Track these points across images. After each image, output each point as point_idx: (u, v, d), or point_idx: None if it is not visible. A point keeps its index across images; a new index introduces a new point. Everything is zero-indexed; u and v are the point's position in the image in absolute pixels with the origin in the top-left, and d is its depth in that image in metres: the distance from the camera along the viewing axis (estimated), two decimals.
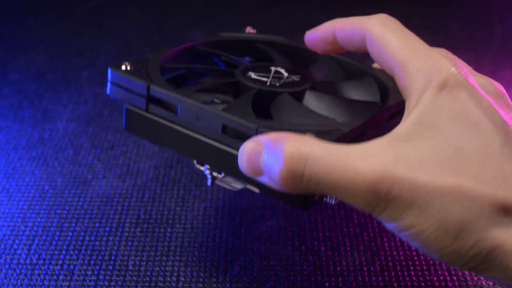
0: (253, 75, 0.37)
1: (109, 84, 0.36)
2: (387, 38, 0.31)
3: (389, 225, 0.27)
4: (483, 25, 0.62)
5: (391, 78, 0.34)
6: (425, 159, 0.26)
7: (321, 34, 0.35)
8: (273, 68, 0.38)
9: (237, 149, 0.30)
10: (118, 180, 0.48)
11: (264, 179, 0.28)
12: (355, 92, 0.38)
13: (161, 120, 0.35)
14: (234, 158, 0.30)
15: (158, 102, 0.34)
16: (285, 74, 0.38)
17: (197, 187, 0.47)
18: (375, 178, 0.25)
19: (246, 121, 0.31)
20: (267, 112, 0.35)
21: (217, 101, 0.37)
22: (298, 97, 0.35)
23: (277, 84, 0.36)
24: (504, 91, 0.31)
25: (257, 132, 0.30)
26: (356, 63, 0.40)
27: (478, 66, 0.57)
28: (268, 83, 0.36)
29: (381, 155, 0.26)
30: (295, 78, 0.37)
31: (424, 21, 0.63)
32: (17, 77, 0.61)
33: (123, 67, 0.36)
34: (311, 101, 0.36)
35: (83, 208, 0.45)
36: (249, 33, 0.44)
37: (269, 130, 0.30)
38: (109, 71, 0.36)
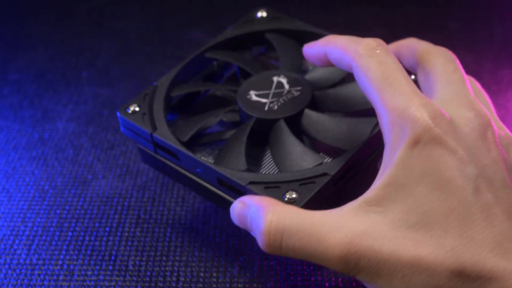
0: (253, 96, 0.39)
1: (121, 126, 0.40)
2: (370, 74, 0.31)
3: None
4: (483, 25, 0.62)
5: None
6: (392, 229, 0.28)
7: (315, 52, 0.36)
8: (275, 79, 0.40)
9: (232, 198, 0.34)
10: (118, 180, 0.48)
11: (252, 234, 0.32)
12: (353, 99, 0.39)
13: (168, 162, 0.38)
14: (230, 204, 0.34)
15: (162, 148, 0.37)
16: (286, 87, 0.39)
17: None
18: (344, 252, 0.28)
19: (236, 178, 0.33)
20: (266, 137, 0.38)
21: (224, 119, 0.40)
22: (296, 119, 0.37)
23: (275, 107, 0.38)
24: None
25: (245, 189, 0.33)
26: None
27: (478, 66, 0.57)
28: (266, 107, 0.38)
29: (350, 227, 0.28)
30: (295, 91, 0.38)
31: (424, 21, 0.63)
32: (17, 77, 0.61)
33: (131, 109, 0.39)
34: (308, 125, 0.37)
35: (83, 208, 0.45)
36: (261, 17, 0.45)
37: (257, 186, 0.33)
38: (118, 114, 0.39)
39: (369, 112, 0.37)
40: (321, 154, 0.37)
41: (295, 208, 0.30)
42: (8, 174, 0.49)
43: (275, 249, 0.30)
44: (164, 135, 0.37)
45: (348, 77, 0.41)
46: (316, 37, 0.40)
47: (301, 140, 0.37)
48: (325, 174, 0.33)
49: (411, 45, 0.37)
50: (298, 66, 0.42)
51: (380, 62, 0.31)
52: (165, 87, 0.40)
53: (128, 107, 0.39)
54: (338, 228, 0.28)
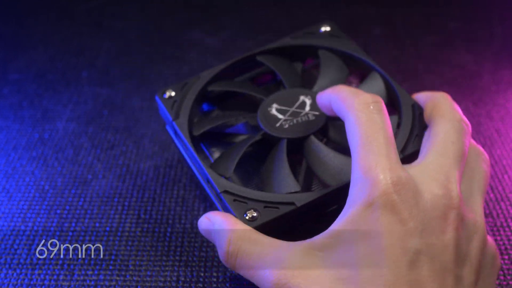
0: (274, 109, 0.40)
1: (159, 108, 0.43)
2: (355, 129, 0.32)
3: None
4: (483, 25, 0.62)
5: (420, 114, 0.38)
6: (323, 276, 0.29)
7: (324, 101, 0.37)
8: (301, 98, 0.41)
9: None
10: (118, 180, 0.48)
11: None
12: None
13: (181, 149, 0.42)
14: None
15: (178, 135, 0.41)
16: (307, 109, 0.40)
17: (197, 187, 0.47)
18: (275, 282, 0.30)
19: (216, 182, 0.36)
20: (268, 152, 0.39)
21: (249, 122, 0.42)
22: (300, 143, 0.39)
23: (286, 126, 0.39)
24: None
25: (220, 196, 0.36)
26: (401, 90, 0.41)
27: (478, 66, 0.57)
28: (278, 124, 0.39)
29: (290, 262, 0.30)
30: (312, 115, 0.40)
31: (424, 21, 0.63)
32: (17, 77, 0.61)
33: (167, 94, 0.43)
34: (307, 152, 0.38)
35: (83, 208, 0.45)
36: (324, 31, 0.46)
37: (228, 196, 0.36)
38: (156, 97, 0.43)
39: None
40: (314, 183, 0.38)
41: (252, 232, 0.33)
42: (8, 174, 0.49)
43: (231, 266, 0.33)
44: (181, 125, 0.40)
45: None
46: (361, 65, 0.43)
47: (301, 163, 0.38)
48: (291, 203, 0.34)
49: (434, 99, 0.37)
50: None
51: (369, 119, 0.32)
52: (206, 80, 0.43)
53: (165, 92, 0.43)
54: (279, 260, 0.31)
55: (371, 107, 0.32)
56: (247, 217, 0.34)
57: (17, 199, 0.46)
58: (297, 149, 0.39)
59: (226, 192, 0.36)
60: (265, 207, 0.35)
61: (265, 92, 0.43)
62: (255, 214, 0.34)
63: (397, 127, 0.38)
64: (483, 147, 0.50)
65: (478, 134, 0.51)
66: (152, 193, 0.46)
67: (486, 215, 0.43)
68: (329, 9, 0.67)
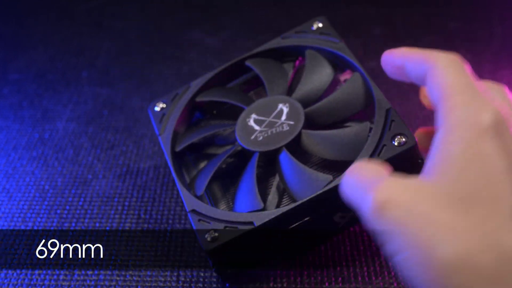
0: (252, 119, 0.41)
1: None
2: (447, 81, 0.30)
3: None
4: (483, 25, 0.62)
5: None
6: (436, 194, 0.27)
7: (392, 61, 0.35)
8: (279, 107, 0.41)
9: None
10: (118, 180, 0.48)
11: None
12: (345, 107, 0.40)
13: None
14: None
15: None
16: (282, 118, 0.40)
17: None
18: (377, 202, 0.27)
19: (186, 200, 0.37)
20: (243, 165, 0.39)
21: (228, 136, 0.43)
22: (272, 155, 0.38)
23: (260, 138, 0.39)
24: None
25: (188, 215, 0.37)
26: (379, 93, 0.39)
27: (478, 66, 0.57)
28: (254, 136, 0.39)
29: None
30: (287, 125, 0.39)
31: (424, 21, 0.63)
32: (17, 77, 0.61)
33: (159, 106, 0.44)
34: (278, 167, 0.38)
35: (84, 208, 0.45)
36: (316, 28, 0.45)
37: (194, 216, 0.36)
38: (148, 109, 0.44)
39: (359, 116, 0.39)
40: (285, 198, 0.38)
41: (396, 181, 0.29)
42: (8, 174, 0.49)
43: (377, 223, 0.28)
44: (164, 140, 0.41)
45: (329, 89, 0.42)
46: (346, 64, 0.42)
47: (304, 161, 0.38)
48: (250, 222, 0.34)
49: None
50: (315, 96, 0.42)
51: (459, 71, 0.30)
52: (194, 90, 0.44)
53: (156, 104, 0.44)
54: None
55: (457, 61, 0.31)
56: (208, 239, 0.34)
57: (17, 199, 0.46)
58: (272, 162, 0.39)
59: (193, 211, 0.36)
60: (225, 227, 0.34)
61: (248, 100, 0.43)
62: (216, 235, 0.34)
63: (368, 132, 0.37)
64: None
65: None
66: (152, 193, 0.46)
67: None
68: (329, 9, 0.66)
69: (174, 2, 0.71)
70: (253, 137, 0.39)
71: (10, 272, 0.40)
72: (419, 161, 0.35)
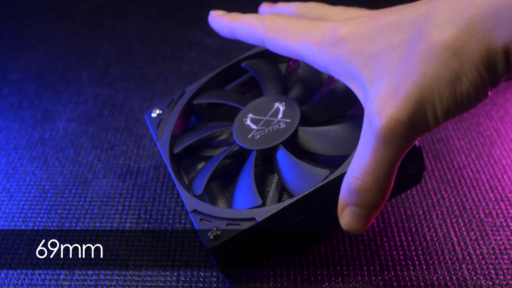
0: (249, 119, 0.41)
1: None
2: (281, 36, 0.35)
3: None
4: None
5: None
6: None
7: (221, 26, 0.41)
8: (276, 105, 0.41)
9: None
10: (119, 180, 0.48)
11: (374, 213, 0.32)
12: (340, 105, 0.40)
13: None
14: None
15: None
16: (279, 117, 0.40)
17: None
18: None
19: (186, 200, 0.37)
20: (241, 164, 0.40)
21: (225, 137, 0.44)
22: (269, 153, 0.39)
23: (257, 137, 0.39)
24: None
25: (189, 215, 0.37)
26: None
27: None
28: (251, 135, 0.40)
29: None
30: (283, 123, 0.39)
31: None
32: (17, 77, 0.61)
33: (155, 112, 0.44)
34: (276, 164, 0.38)
35: (84, 208, 0.45)
36: None
37: (196, 216, 0.36)
38: (145, 116, 0.44)
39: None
40: (285, 194, 0.38)
41: None
42: (8, 174, 0.49)
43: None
44: (162, 145, 0.42)
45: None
46: None
47: (302, 158, 0.38)
48: (252, 219, 0.34)
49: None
50: (311, 93, 0.43)
51: (284, 25, 0.35)
52: (189, 95, 0.44)
53: (153, 111, 0.44)
54: None
55: (278, 19, 0.36)
56: (211, 237, 0.34)
57: (18, 199, 0.46)
58: (270, 160, 0.39)
59: (194, 211, 0.36)
60: (227, 224, 0.35)
61: (244, 101, 0.43)
62: (218, 233, 0.34)
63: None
64: (482, 147, 0.50)
65: (477, 134, 0.51)
66: (152, 193, 0.46)
67: (486, 215, 0.43)
68: None
69: (174, 2, 0.71)
70: (250, 136, 0.40)
71: (10, 272, 0.40)
72: (416, 148, 0.35)
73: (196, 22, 0.67)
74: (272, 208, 0.35)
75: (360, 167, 0.31)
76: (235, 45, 0.63)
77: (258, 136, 0.39)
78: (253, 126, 0.40)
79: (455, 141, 0.51)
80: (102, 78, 0.60)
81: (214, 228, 0.35)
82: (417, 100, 0.28)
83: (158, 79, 0.59)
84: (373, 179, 0.30)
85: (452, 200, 0.45)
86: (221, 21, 0.40)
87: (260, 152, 0.39)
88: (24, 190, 0.47)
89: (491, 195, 0.45)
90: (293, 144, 0.39)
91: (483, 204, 0.44)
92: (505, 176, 0.47)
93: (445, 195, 0.45)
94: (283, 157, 0.37)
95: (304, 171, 0.36)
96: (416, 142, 0.34)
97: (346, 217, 0.32)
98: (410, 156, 0.33)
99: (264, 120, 0.40)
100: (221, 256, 0.35)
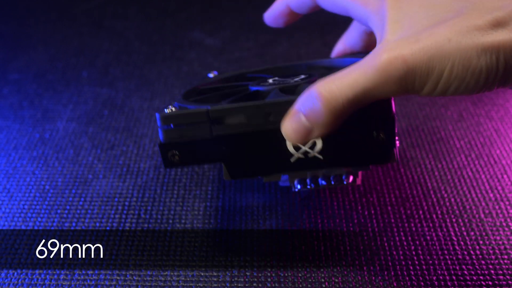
0: (269, 81, 0.40)
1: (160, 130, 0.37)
2: None
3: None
4: None
5: None
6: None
7: (277, 11, 0.40)
8: (297, 77, 0.40)
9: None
10: (119, 180, 0.48)
11: (314, 135, 0.32)
12: None
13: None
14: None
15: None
16: (297, 79, 0.39)
17: (197, 187, 0.47)
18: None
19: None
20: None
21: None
22: (290, 90, 0.37)
23: (271, 85, 0.38)
24: None
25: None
26: None
27: None
28: (266, 83, 0.38)
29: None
30: (300, 80, 0.39)
31: None
32: (17, 77, 0.61)
33: (167, 111, 0.37)
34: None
35: (84, 208, 0.45)
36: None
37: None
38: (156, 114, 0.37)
39: None
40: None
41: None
42: (8, 174, 0.49)
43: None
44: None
45: None
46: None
47: None
48: (205, 109, 0.34)
49: None
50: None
51: None
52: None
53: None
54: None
55: None
56: (165, 111, 0.35)
57: (18, 199, 0.46)
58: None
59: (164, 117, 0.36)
60: (183, 108, 0.36)
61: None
62: (172, 109, 0.35)
63: None
64: (482, 147, 0.50)
65: (477, 134, 0.51)
66: (152, 193, 0.46)
67: (485, 215, 0.43)
68: None
69: (174, 2, 0.71)
70: (265, 83, 0.39)
71: (10, 272, 0.40)
72: (390, 112, 0.34)
73: (196, 22, 0.67)
74: (228, 105, 0.34)
75: (333, 80, 0.30)
76: (235, 45, 0.63)
77: (273, 84, 0.39)
78: (270, 81, 0.39)
79: (455, 141, 0.51)
80: (102, 78, 0.60)
81: (172, 108, 0.35)
82: (431, 58, 0.29)
83: (158, 79, 0.59)
84: (335, 98, 0.30)
85: (452, 200, 0.45)
86: (275, 5, 0.41)
87: (281, 89, 0.37)
88: (24, 190, 0.47)
89: (491, 195, 0.45)
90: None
91: (483, 204, 0.44)
92: (505, 176, 0.47)
93: (445, 195, 0.45)
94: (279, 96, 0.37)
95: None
96: (394, 109, 0.33)
97: (289, 122, 0.32)
98: (380, 119, 0.32)
99: (282, 80, 0.39)
100: (168, 130, 0.35)
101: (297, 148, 0.34)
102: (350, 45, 0.43)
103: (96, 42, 0.65)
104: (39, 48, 0.65)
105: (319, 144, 0.33)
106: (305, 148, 0.33)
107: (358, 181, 0.38)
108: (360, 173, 0.38)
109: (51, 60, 0.63)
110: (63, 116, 0.55)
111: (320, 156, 0.33)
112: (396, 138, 0.37)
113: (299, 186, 0.38)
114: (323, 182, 0.37)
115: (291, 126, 0.32)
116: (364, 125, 0.31)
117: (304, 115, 0.31)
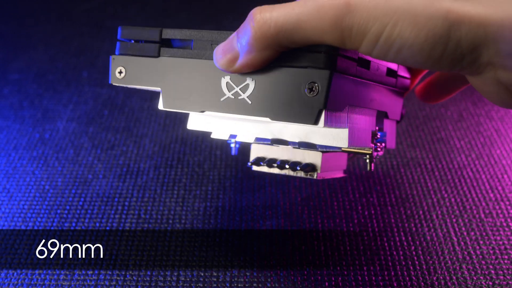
0: None
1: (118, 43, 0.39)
2: None
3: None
4: None
5: None
6: None
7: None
8: None
9: None
10: (119, 180, 0.48)
11: (239, 61, 0.30)
12: None
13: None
14: None
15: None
16: None
17: (197, 187, 0.47)
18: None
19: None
20: None
21: None
22: None
23: None
24: None
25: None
26: None
27: None
28: None
29: None
30: None
31: None
32: (17, 77, 0.61)
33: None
34: None
35: (84, 208, 0.45)
36: None
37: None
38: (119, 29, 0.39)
39: None
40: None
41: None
42: (8, 174, 0.49)
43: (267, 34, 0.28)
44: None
45: None
46: None
47: None
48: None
49: None
50: None
51: None
52: None
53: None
54: None
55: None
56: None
57: (18, 199, 0.46)
58: None
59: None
60: None
61: None
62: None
63: None
64: (482, 147, 0.50)
65: (477, 134, 0.51)
66: (152, 193, 0.46)
67: (486, 215, 0.43)
68: None
69: (174, 2, 0.71)
70: None
71: (10, 272, 0.40)
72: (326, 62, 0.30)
73: (196, 22, 0.67)
74: (179, 29, 0.35)
75: (273, 6, 0.28)
76: None
77: None
78: None
79: (455, 141, 0.51)
80: (102, 78, 0.60)
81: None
82: (375, 7, 0.26)
83: None
84: (265, 21, 0.28)
85: (452, 200, 0.45)
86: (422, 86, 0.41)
87: None
88: (24, 190, 0.47)
89: (491, 195, 0.45)
90: None
91: (483, 204, 0.44)
92: (505, 176, 0.47)
93: (445, 195, 0.45)
94: None
95: None
96: (339, 63, 0.29)
97: (222, 43, 0.31)
98: (313, 69, 0.29)
99: None
100: (124, 43, 0.37)
101: (230, 88, 0.33)
102: None
103: (97, 42, 0.65)
104: (39, 48, 0.65)
105: (251, 88, 0.32)
106: (237, 88, 0.33)
107: (320, 176, 0.37)
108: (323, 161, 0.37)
109: (51, 60, 0.63)
110: (63, 116, 0.55)
111: (249, 101, 0.32)
112: (380, 146, 0.37)
113: (252, 160, 0.38)
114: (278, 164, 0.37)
115: (222, 46, 0.31)
116: (295, 76, 0.29)
117: (236, 36, 0.30)
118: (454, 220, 0.43)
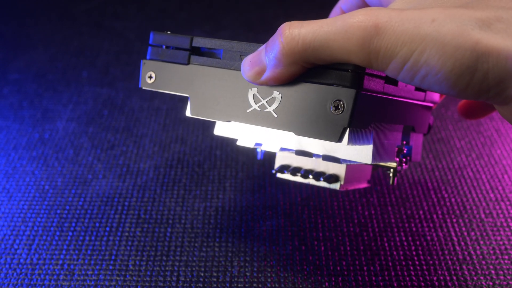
0: None
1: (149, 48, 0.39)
2: None
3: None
4: None
5: None
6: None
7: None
8: None
9: None
10: (118, 180, 0.48)
11: (265, 74, 0.31)
12: None
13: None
14: None
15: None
16: None
17: (197, 187, 0.47)
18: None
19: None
20: None
21: None
22: None
23: None
24: None
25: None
26: None
27: None
28: None
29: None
30: None
31: None
32: (17, 77, 0.61)
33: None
34: None
35: (83, 208, 0.45)
36: None
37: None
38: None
39: None
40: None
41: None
42: (8, 174, 0.49)
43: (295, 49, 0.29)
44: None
45: None
46: None
47: None
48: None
49: None
50: None
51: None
52: None
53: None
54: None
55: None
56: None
57: (17, 199, 0.46)
58: None
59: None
60: None
61: None
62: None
63: None
64: (482, 147, 0.50)
65: (478, 134, 0.51)
66: (152, 193, 0.46)
67: (486, 215, 0.43)
68: (328, 10, 0.66)
69: (174, 2, 0.71)
70: None
71: (10, 272, 0.40)
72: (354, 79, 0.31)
73: (196, 22, 0.67)
74: (210, 38, 0.35)
75: (302, 23, 0.28)
76: None
77: None
78: None
79: (455, 141, 0.51)
80: (102, 78, 0.60)
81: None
82: (404, 32, 0.26)
83: None
84: (293, 37, 0.28)
85: (453, 200, 0.45)
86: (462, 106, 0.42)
87: None
88: (24, 190, 0.47)
89: (492, 195, 0.45)
90: None
91: (484, 204, 0.44)
92: (505, 176, 0.47)
93: (446, 195, 0.45)
94: None
95: None
96: (366, 82, 0.30)
97: (251, 55, 0.31)
98: (339, 87, 0.29)
99: None
100: (156, 48, 0.37)
101: (256, 101, 0.34)
102: (346, 10, 0.41)
103: (96, 42, 0.65)
104: (39, 48, 0.65)
105: (277, 102, 0.33)
106: (263, 101, 0.33)
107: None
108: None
109: (51, 60, 0.63)
110: (63, 116, 0.55)
111: (275, 114, 0.33)
112: (405, 160, 0.37)
113: (276, 168, 0.39)
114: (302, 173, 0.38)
115: (250, 58, 0.31)
116: (322, 93, 0.30)
117: (264, 49, 0.30)
118: (454, 220, 0.43)
